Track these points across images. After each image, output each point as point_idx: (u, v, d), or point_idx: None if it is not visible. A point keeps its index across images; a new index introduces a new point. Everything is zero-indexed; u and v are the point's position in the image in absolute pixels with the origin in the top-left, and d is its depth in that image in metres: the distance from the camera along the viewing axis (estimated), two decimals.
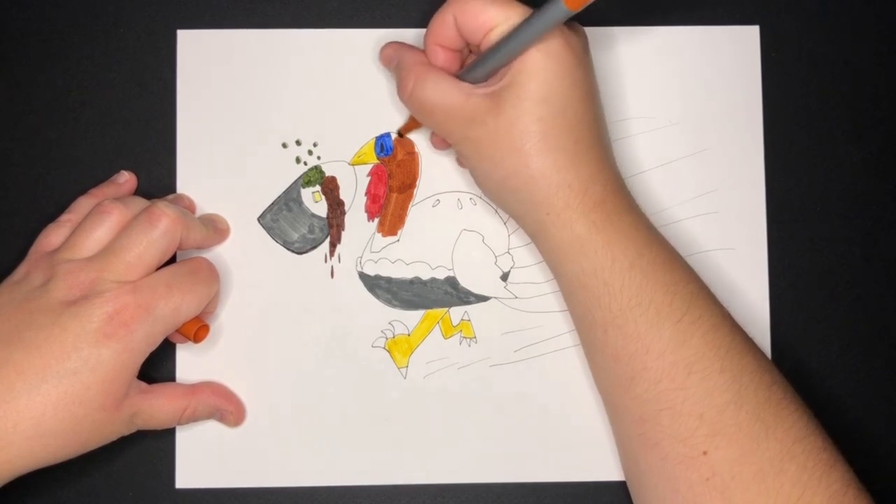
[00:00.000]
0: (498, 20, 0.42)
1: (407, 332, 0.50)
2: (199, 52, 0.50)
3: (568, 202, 0.42)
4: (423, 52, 0.46)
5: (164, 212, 0.45)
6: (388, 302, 0.50)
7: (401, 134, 0.50)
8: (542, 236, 0.44)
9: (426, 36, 0.45)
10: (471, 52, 0.46)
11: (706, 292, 0.44)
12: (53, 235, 0.46)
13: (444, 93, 0.43)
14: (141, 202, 0.46)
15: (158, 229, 0.44)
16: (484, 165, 0.44)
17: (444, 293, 0.50)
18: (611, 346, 0.43)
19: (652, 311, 0.42)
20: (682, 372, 0.41)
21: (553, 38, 0.42)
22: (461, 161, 0.50)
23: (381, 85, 0.51)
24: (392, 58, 0.47)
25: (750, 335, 0.44)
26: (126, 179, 0.49)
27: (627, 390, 0.42)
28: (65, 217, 0.47)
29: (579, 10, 0.39)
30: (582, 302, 0.43)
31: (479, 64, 0.43)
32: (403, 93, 0.45)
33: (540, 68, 0.41)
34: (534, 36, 0.41)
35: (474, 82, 0.44)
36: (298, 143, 0.50)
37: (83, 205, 0.48)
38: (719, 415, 0.40)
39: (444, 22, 0.44)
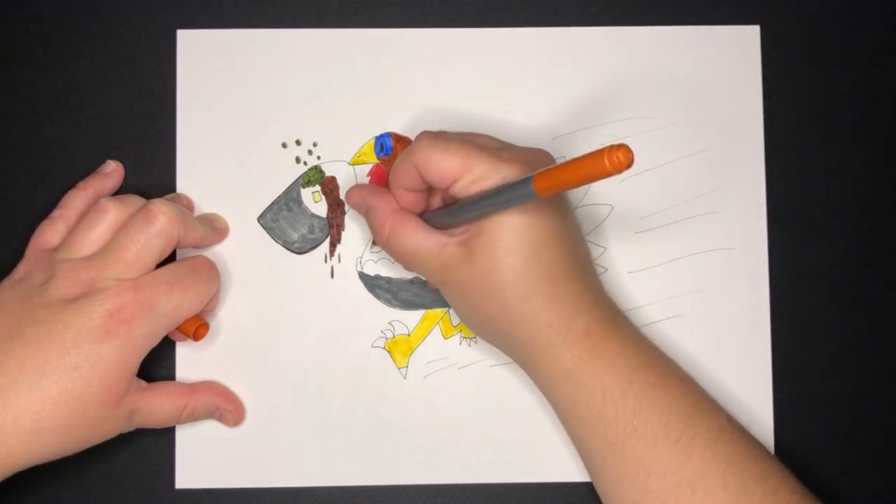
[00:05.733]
0: (460, 174, 0.42)
1: (407, 332, 0.50)
2: (199, 52, 0.50)
3: (550, 340, 0.42)
4: (391, 195, 0.45)
5: (160, 209, 0.45)
6: (389, 302, 0.50)
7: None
8: (530, 368, 0.44)
9: (390, 180, 0.45)
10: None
11: (703, 404, 0.43)
12: (48, 232, 0.46)
13: (419, 243, 0.43)
14: (138, 200, 0.46)
15: (155, 227, 0.44)
16: (464, 307, 0.44)
17: None
18: (611, 470, 0.42)
19: (649, 434, 0.41)
20: (685, 492, 0.41)
21: None
22: None
23: (381, 85, 0.51)
24: (360, 204, 0.47)
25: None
26: (113, 169, 0.49)
27: None
28: (57, 213, 0.47)
29: (547, 197, 0.37)
30: (577, 429, 0.44)
31: (446, 216, 0.43)
32: (380, 239, 0.45)
33: (508, 218, 0.41)
34: (500, 208, 0.40)
35: (444, 228, 0.44)
36: (298, 143, 0.50)
37: (73, 199, 0.48)
38: None
39: (407, 170, 0.43)
